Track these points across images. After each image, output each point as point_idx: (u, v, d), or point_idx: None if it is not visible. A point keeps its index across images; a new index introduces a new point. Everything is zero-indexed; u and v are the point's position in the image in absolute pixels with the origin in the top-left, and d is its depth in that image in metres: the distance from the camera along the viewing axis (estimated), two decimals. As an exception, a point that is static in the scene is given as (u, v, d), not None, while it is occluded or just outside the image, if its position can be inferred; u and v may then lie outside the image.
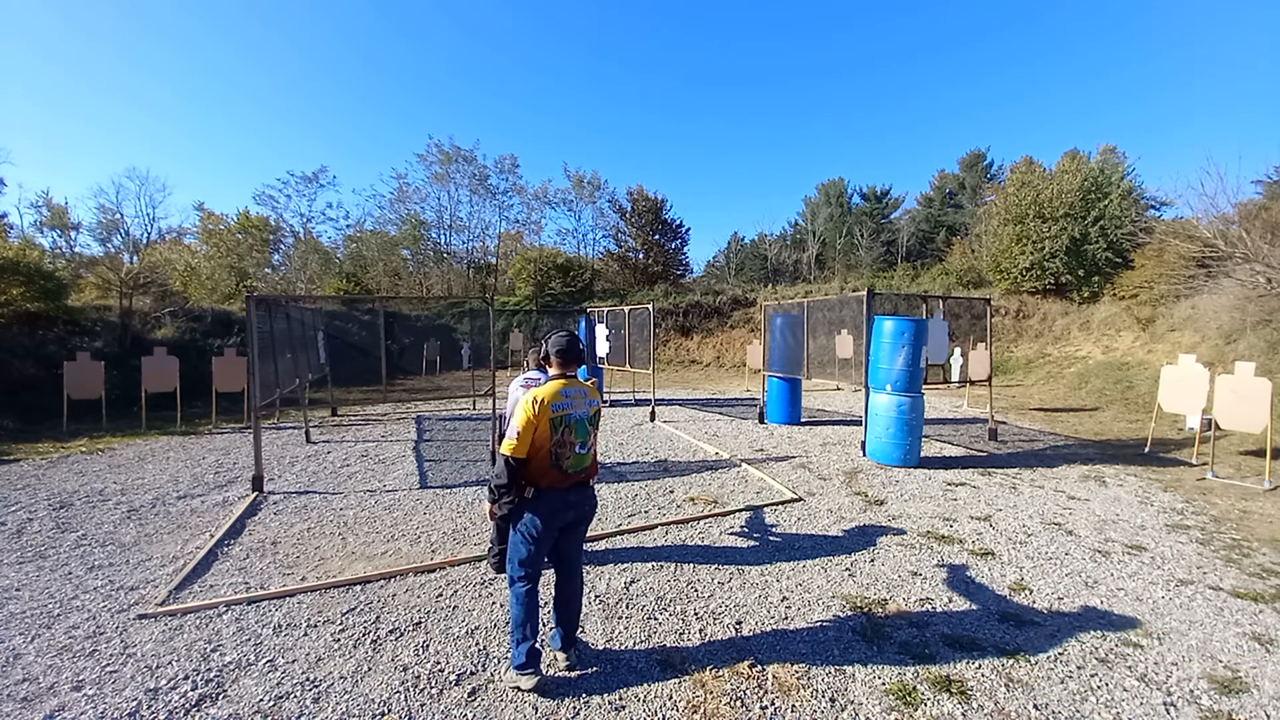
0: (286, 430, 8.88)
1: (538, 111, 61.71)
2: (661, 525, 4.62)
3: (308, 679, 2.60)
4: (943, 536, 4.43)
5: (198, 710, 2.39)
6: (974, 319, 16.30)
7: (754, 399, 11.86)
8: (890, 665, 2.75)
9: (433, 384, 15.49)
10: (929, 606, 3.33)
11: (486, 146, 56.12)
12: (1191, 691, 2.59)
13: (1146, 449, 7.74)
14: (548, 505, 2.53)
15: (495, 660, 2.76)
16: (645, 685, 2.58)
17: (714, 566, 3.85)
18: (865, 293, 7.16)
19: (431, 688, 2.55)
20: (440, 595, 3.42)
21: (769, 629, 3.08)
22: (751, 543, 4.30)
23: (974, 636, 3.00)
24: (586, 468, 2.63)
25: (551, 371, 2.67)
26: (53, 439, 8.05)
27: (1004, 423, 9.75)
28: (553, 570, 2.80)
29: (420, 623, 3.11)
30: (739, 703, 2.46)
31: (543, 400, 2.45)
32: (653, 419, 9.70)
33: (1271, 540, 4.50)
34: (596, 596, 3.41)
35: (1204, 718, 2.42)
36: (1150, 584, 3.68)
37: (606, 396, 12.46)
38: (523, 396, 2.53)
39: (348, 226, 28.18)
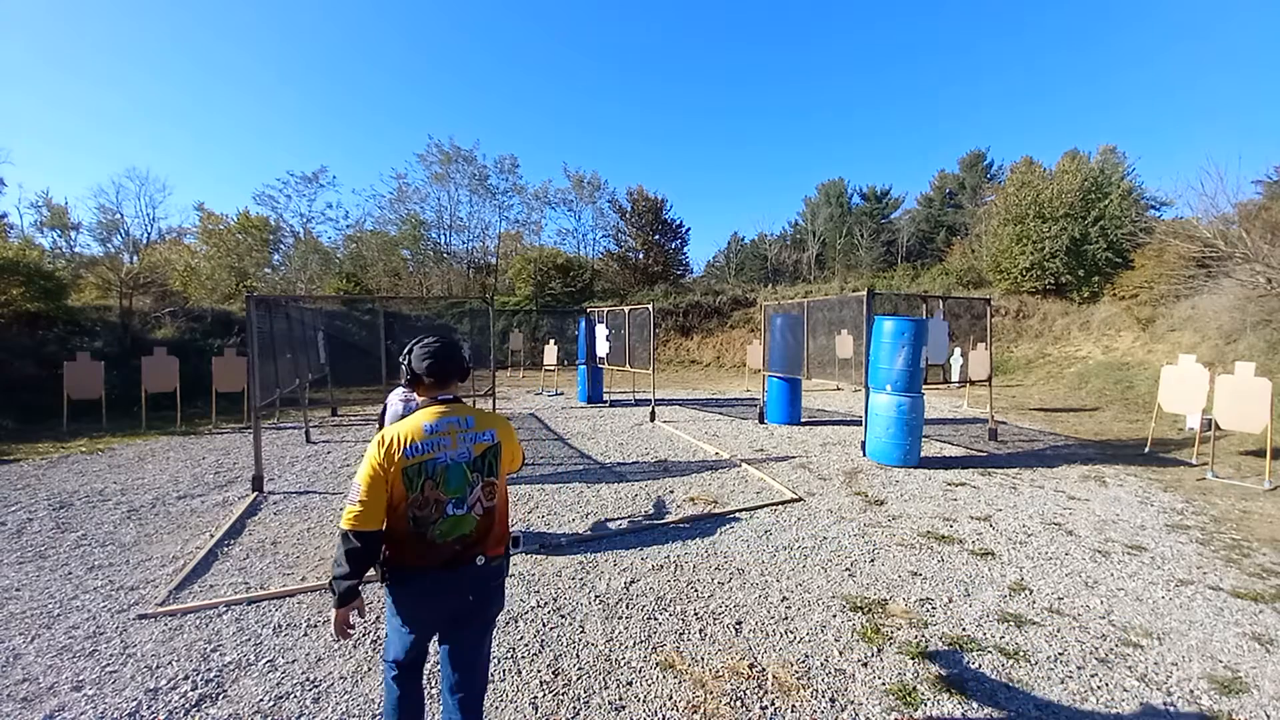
0: (286, 430, 8.88)
1: (538, 112, 61.68)
2: (661, 525, 4.62)
3: (308, 679, 2.60)
4: (943, 536, 4.43)
5: (198, 710, 2.39)
6: (974, 319, 16.29)
7: (754, 399, 11.85)
8: (890, 665, 2.75)
9: (433, 384, 15.46)
10: (929, 606, 3.33)
11: (486, 146, 56.11)
12: (1191, 691, 2.59)
13: (1146, 449, 7.74)
14: (411, 593, 1.81)
15: (495, 660, 2.76)
16: (645, 685, 2.58)
17: (714, 566, 3.85)
18: (865, 293, 7.16)
19: (432, 688, 2.54)
20: (440, 595, 3.42)
21: (769, 629, 3.08)
22: (751, 543, 4.30)
23: (974, 636, 3.00)
24: (469, 535, 1.82)
25: (419, 397, 1.94)
26: (53, 439, 8.05)
27: (1004, 423, 9.75)
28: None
29: (420, 623, 3.10)
30: (739, 703, 2.46)
31: (391, 443, 1.74)
32: (653, 419, 9.69)
33: (1271, 540, 4.50)
34: (596, 596, 3.41)
35: (1204, 718, 2.42)
36: (1150, 584, 3.68)
37: (607, 396, 12.46)
38: (373, 441, 1.81)
39: (348, 226, 28.16)
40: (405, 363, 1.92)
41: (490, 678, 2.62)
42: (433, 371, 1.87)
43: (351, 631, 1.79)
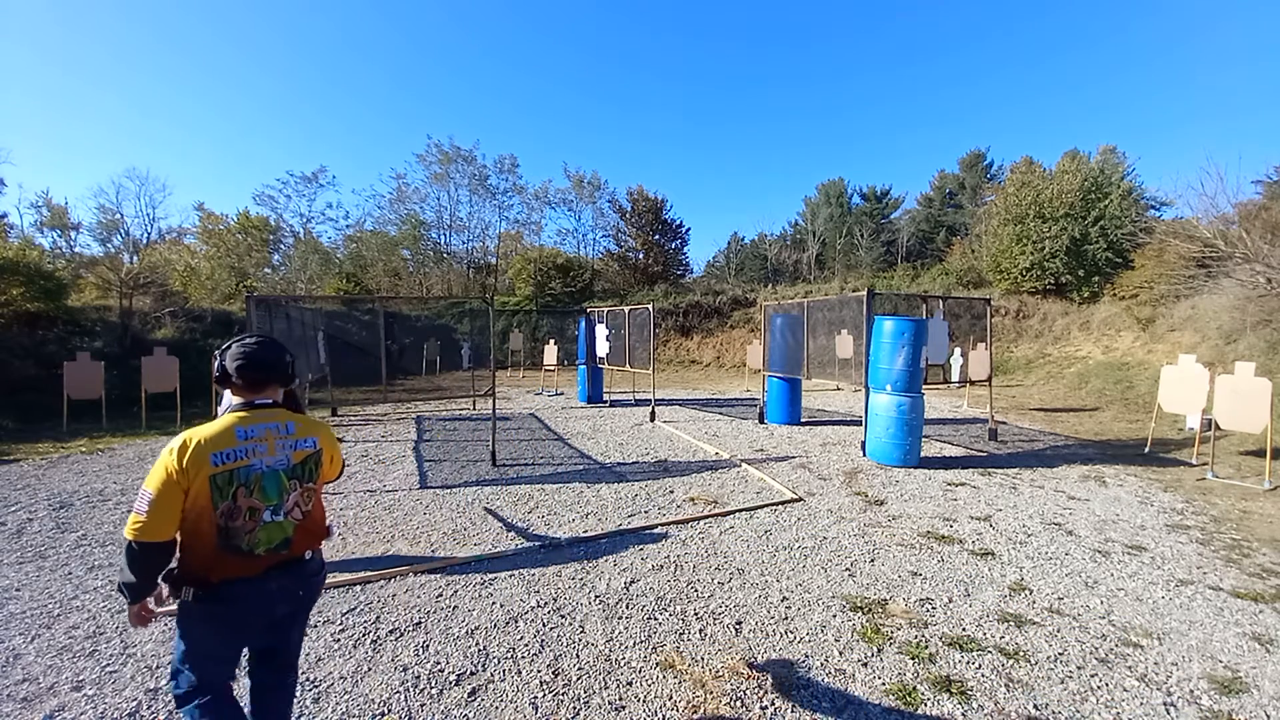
0: (286, 430, 8.86)
1: (537, 112, 61.79)
2: (661, 525, 4.62)
3: (307, 679, 2.59)
4: (943, 536, 4.43)
5: (198, 710, 2.39)
6: (974, 319, 16.30)
7: (754, 399, 11.85)
8: (890, 665, 2.74)
9: (433, 384, 15.50)
10: (929, 606, 3.33)
11: (486, 146, 56.10)
12: (1191, 691, 2.59)
13: (1146, 449, 7.74)
14: (232, 608, 1.65)
15: (495, 660, 2.76)
16: (645, 685, 2.58)
17: (714, 566, 3.85)
18: (865, 293, 7.16)
19: (431, 688, 2.55)
20: (440, 595, 3.42)
21: (769, 629, 3.07)
22: (751, 543, 4.29)
23: (974, 636, 3.00)
24: (290, 538, 1.75)
25: (234, 400, 1.80)
26: (53, 439, 8.05)
27: (1004, 423, 9.75)
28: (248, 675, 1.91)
29: (420, 623, 3.11)
30: (739, 703, 2.46)
31: (196, 447, 1.60)
32: (653, 419, 9.69)
33: (1271, 540, 4.50)
34: (596, 597, 3.41)
35: (1204, 718, 2.42)
36: (1150, 584, 3.68)
37: (607, 396, 12.46)
38: (168, 446, 1.63)
39: (347, 226, 28.25)
40: (217, 360, 1.77)
41: (491, 678, 2.63)
42: (244, 374, 1.73)
43: (151, 618, 1.71)
